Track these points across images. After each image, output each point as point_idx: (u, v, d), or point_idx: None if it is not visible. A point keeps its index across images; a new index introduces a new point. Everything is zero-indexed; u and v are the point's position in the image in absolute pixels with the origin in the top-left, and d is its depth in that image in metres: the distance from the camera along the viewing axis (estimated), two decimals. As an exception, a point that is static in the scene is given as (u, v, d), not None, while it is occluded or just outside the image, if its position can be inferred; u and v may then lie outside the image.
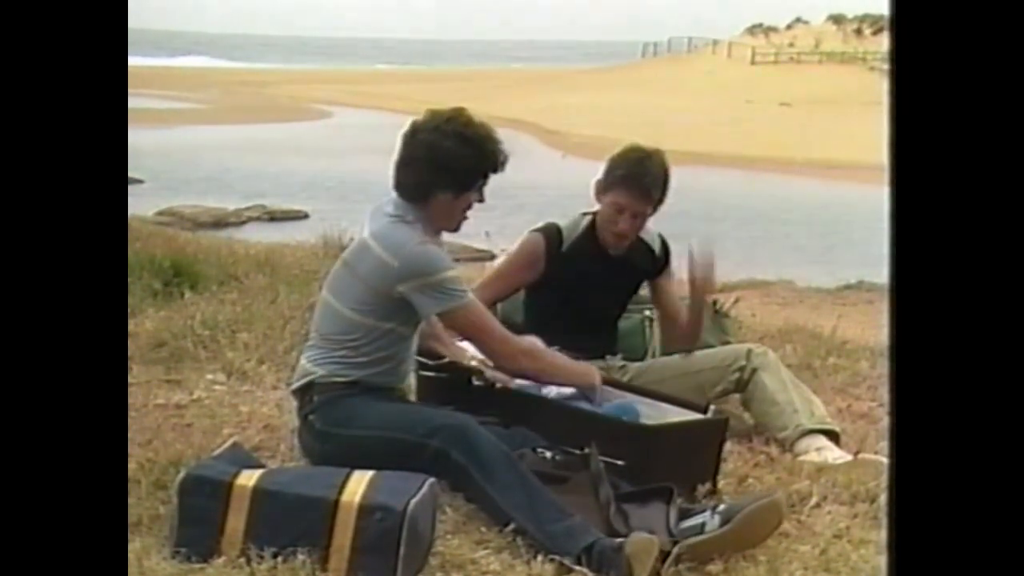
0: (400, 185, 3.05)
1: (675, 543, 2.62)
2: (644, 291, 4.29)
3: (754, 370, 3.64)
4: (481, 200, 3.10)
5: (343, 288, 3.06)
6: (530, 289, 3.78)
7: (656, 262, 3.85)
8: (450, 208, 3.05)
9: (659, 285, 3.88)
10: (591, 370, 3.30)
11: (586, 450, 2.91)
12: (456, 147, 2.98)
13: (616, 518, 2.71)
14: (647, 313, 4.02)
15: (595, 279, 3.71)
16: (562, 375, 3.24)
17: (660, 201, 3.71)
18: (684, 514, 2.77)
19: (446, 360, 3.35)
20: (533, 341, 3.27)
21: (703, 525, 2.69)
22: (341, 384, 3.01)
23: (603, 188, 3.70)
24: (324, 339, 3.06)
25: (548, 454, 2.94)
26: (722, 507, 2.75)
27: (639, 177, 3.62)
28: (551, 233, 3.73)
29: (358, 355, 3.01)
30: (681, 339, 3.84)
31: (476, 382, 3.23)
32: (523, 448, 2.91)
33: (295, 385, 3.11)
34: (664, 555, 2.59)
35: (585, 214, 3.78)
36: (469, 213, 3.13)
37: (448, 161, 2.98)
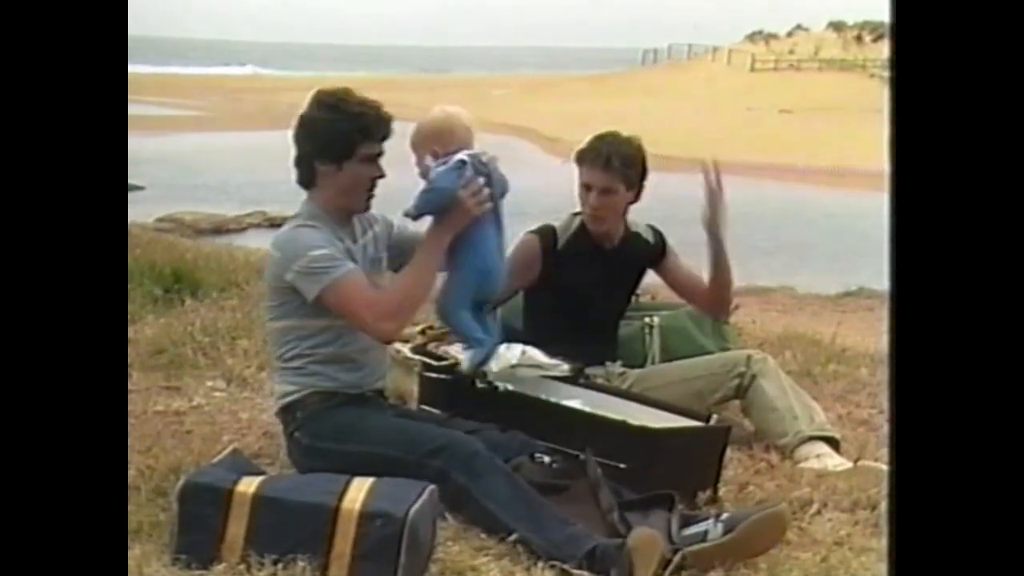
0: (297, 175, 3.09)
1: (677, 550, 2.62)
2: (644, 297, 4.30)
3: (754, 376, 3.63)
4: (380, 175, 3.03)
5: (266, 305, 3.12)
6: (528, 293, 3.78)
7: (652, 249, 3.85)
8: (337, 182, 3.01)
9: (664, 267, 3.88)
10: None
11: (581, 457, 2.90)
12: (320, 114, 3.02)
13: (620, 525, 2.70)
14: (647, 320, 4.02)
15: (592, 276, 3.72)
16: (425, 270, 3.01)
17: (632, 180, 3.70)
18: (686, 521, 2.76)
19: (450, 362, 3.35)
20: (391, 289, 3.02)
21: (706, 533, 2.68)
22: (320, 396, 3.00)
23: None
24: (277, 360, 3.09)
25: (546, 460, 2.93)
26: (725, 515, 2.73)
27: (595, 151, 3.68)
28: (546, 233, 3.76)
29: (307, 360, 3.01)
30: (712, 304, 3.86)
31: (479, 384, 3.23)
32: (521, 454, 2.91)
33: (277, 406, 3.10)
34: (666, 562, 2.58)
35: (575, 214, 3.81)
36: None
37: (315, 128, 3.01)
